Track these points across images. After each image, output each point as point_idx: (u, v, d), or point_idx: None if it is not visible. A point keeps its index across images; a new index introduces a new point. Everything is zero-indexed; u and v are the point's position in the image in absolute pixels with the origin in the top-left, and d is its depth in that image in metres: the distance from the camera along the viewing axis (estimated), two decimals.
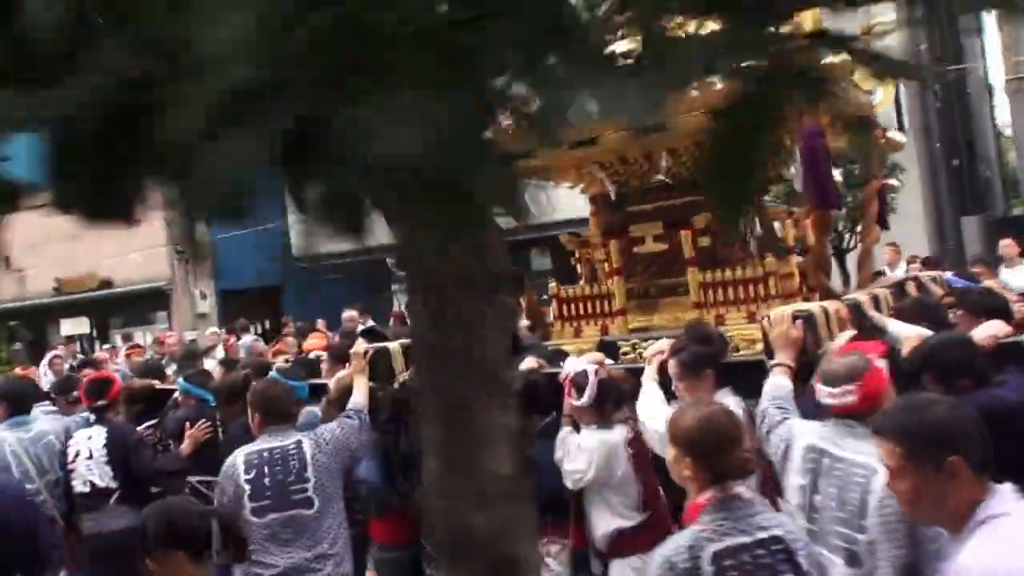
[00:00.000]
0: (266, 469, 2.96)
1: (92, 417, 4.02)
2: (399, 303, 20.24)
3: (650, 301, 4.38)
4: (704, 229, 3.97)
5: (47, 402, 5.07)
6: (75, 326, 15.75)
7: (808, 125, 3.23)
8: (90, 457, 3.81)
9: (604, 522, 3.08)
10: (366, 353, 3.68)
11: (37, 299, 15.89)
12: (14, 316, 16.07)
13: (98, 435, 3.88)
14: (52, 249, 15.60)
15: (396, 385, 3.69)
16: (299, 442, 3.03)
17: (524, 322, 5.00)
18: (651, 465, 3.08)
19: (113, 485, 3.78)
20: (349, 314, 10.11)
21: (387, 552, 3.69)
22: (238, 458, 3.01)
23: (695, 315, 4.10)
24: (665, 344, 3.16)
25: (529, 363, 3.48)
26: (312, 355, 6.17)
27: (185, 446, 3.97)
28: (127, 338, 14.65)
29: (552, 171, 4.34)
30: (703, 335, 3.12)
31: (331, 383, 3.84)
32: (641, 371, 3.22)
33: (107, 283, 14.93)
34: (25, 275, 16.24)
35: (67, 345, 13.51)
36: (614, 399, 3.10)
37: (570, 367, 3.21)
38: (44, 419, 4.38)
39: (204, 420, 4.08)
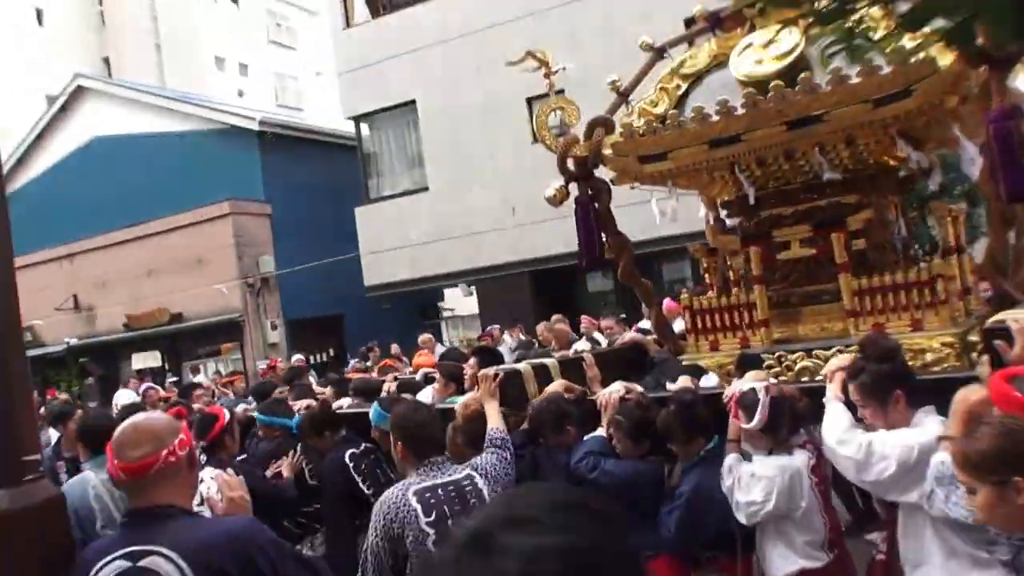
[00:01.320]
0: (446, 509, 2.59)
1: (203, 458, 3.67)
2: (446, 328, 20.52)
3: (792, 310, 4.06)
4: (859, 231, 3.64)
5: None
6: (146, 360, 15.96)
7: (998, 106, 2.89)
8: (201, 503, 3.55)
9: (785, 561, 2.73)
10: (496, 376, 3.39)
11: (107, 335, 16.15)
12: (85, 352, 16.36)
13: (212, 479, 3.48)
14: (121, 287, 15.98)
15: (530, 409, 3.41)
16: (471, 477, 2.72)
17: (651, 336, 4.72)
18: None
19: None
20: (492, 328, 9.99)
21: None
22: (409, 497, 2.59)
23: (845, 325, 3.78)
24: (846, 359, 2.81)
25: (684, 382, 3.17)
26: (420, 374, 6.04)
27: (287, 474, 3.74)
28: (195, 370, 14.82)
29: (680, 175, 4.08)
30: (883, 350, 2.68)
31: (457, 408, 3.57)
32: (813, 390, 2.88)
33: (177, 317, 15.11)
34: (95, 313, 16.61)
35: (138, 379, 13.69)
36: (789, 421, 2.76)
37: (736, 386, 2.90)
38: None
39: (294, 451, 3.85)
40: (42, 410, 12.06)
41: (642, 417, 2.95)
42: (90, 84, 18.13)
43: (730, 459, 2.74)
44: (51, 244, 17.09)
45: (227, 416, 3.80)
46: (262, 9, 32.66)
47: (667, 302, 8.95)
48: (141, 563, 1.69)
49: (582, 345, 8.13)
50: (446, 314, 20.54)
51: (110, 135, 17.27)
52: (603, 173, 4.45)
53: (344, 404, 4.78)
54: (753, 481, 2.66)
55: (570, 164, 4.27)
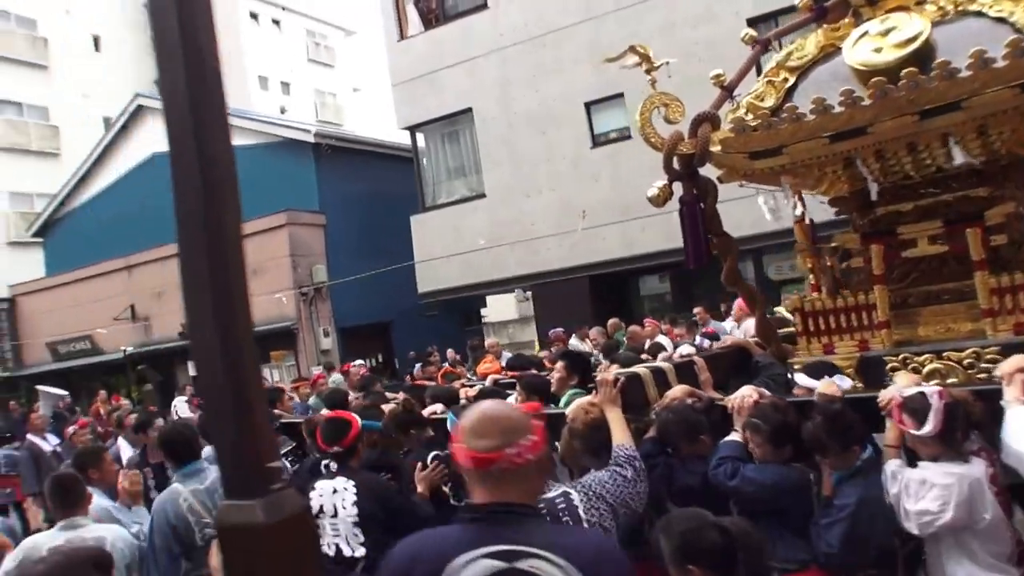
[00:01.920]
0: None
1: (333, 466, 3.50)
2: (489, 333, 20.49)
3: (910, 311, 3.86)
4: (997, 226, 3.44)
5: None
6: None
7: None
8: (335, 515, 3.28)
9: None
10: (616, 381, 3.21)
11: (163, 343, 16.47)
12: (142, 360, 16.71)
13: (346, 490, 3.35)
14: (177, 297, 16.27)
15: (653, 415, 3.27)
16: (567, 495, 2.60)
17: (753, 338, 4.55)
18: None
19: (360, 553, 3.25)
20: (555, 332, 9.95)
21: None
22: None
23: (976, 325, 3.58)
24: (1022, 359, 2.62)
25: (830, 388, 3.00)
26: (489, 381, 5.95)
27: (422, 490, 3.59)
28: None
29: (792, 171, 3.91)
30: None
31: (575, 410, 3.41)
32: (985, 393, 2.69)
33: None
34: (151, 322, 16.97)
35: (184, 387, 13.97)
36: (964, 426, 2.58)
37: (893, 390, 2.72)
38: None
39: (436, 461, 3.70)
40: (112, 415, 12.39)
41: (782, 421, 2.80)
42: (149, 103, 18.63)
43: (892, 465, 2.57)
44: (111, 257, 17.57)
45: (359, 422, 3.65)
46: (302, 29, 33.99)
47: (741, 301, 8.77)
48: (519, 565, 1.54)
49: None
50: (485, 320, 20.67)
51: (167, 151, 17.62)
52: (706, 171, 4.30)
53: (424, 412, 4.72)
54: (924, 488, 2.48)
55: (674, 162, 4.12)
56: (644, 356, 5.70)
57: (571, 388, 4.36)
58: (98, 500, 3.74)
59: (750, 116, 3.83)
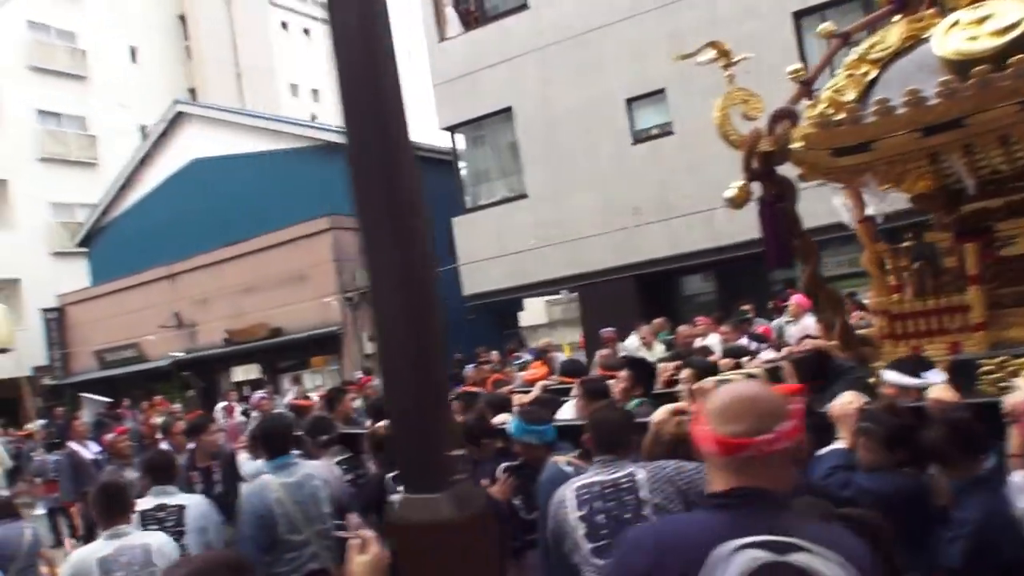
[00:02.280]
0: (600, 504, 2.64)
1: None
2: (523, 337, 20.53)
3: (1001, 312, 3.75)
4: None
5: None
6: (246, 372, 16.45)
7: None
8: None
9: None
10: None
11: (208, 350, 16.72)
12: (188, 366, 16.98)
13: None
14: (221, 304, 16.57)
15: None
16: (631, 475, 2.68)
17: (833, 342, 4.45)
18: None
19: None
20: (607, 331, 9.95)
21: None
22: (567, 493, 2.70)
23: None
24: None
25: (943, 392, 2.91)
26: (538, 387, 5.88)
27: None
28: (296, 380, 15.20)
29: (877, 169, 3.81)
30: None
31: (657, 416, 3.35)
32: None
33: (276, 331, 15.51)
34: (197, 329, 17.25)
35: (236, 391, 14.15)
36: None
37: (1021, 395, 2.62)
38: (311, 463, 3.99)
39: (506, 472, 3.64)
40: (155, 420, 12.59)
41: (897, 424, 2.72)
42: (188, 110, 18.96)
43: (1020, 476, 2.48)
44: (154, 264, 17.90)
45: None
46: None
47: (799, 297, 8.61)
48: (791, 559, 1.40)
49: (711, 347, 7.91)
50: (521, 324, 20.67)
51: (208, 156, 18.01)
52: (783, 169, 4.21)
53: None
54: None
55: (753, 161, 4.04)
56: (722, 361, 5.61)
57: (635, 398, 4.36)
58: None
59: (832, 111, 3.73)
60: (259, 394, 12.30)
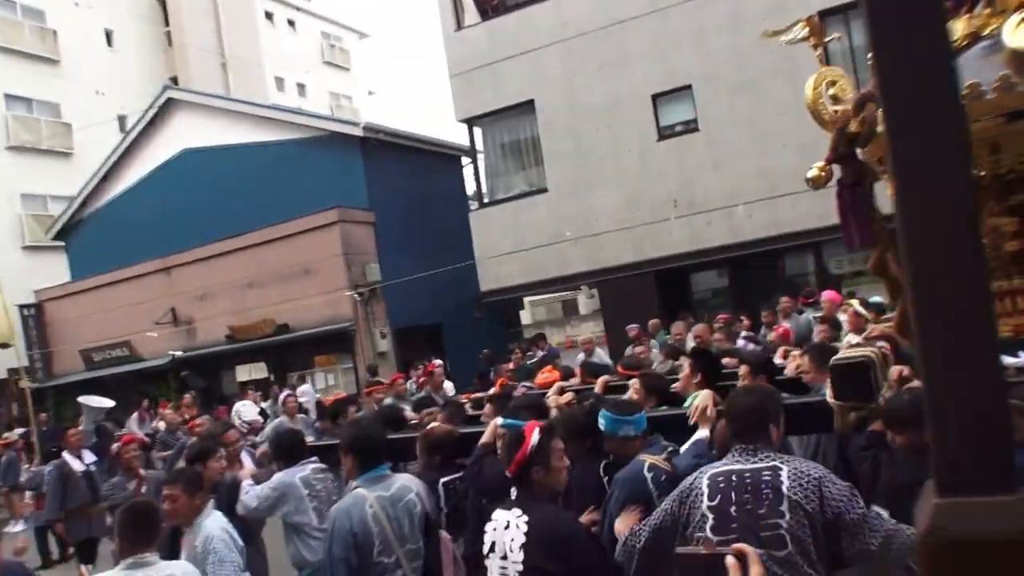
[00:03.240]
0: (733, 495, 2.58)
1: (515, 492, 3.08)
2: (558, 337, 21.56)
3: None
4: None
5: (315, 457, 4.81)
6: (252, 371, 16.88)
7: None
8: (504, 557, 2.90)
9: None
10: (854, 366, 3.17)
11: (208, 348, 17.08)
12: (186, 365, 17.30)
13: (518, 527, 2.90)
14: (222, 299, 16.99)
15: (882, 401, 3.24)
16: (775, 468, 2.60)
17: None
18: None
19: None
20: (632, 328, 10.41)
21: None
22: (703, 480, 2.68)
23: None
24: None
25: None
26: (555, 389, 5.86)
27: (620, 528, 3.16)
28: (302, 379, 15.62)
29: None
30: None
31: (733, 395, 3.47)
32: None
33: (284, 328, 15.96)
34: (195, 326, 17.61)
35: (245, 392, 14.46)
36: None
37: None
38: (403, 476, 3.86)
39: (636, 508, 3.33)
40: (156, 423, 12.89)
41: None
42: (179, 96, 19.28)
43: None
44: (144, 259, 18.20)
45: (534, 437, 3.20)
46: (316, 31, 35.26)
47: (831, 294, 9.41)
48: None
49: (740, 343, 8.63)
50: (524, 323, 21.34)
51: (200, 147, 18.40)
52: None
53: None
54: None
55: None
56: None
57: (697, 390, 4.47)
58: None
59: None
60: (285, 392, 12.60)
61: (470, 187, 17.76)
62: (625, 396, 4.71)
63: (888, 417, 3.18)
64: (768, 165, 11.90)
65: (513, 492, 3.04)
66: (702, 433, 3.63)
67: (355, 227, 15.82)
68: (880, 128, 3.99)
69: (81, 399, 10.87)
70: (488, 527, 2.99)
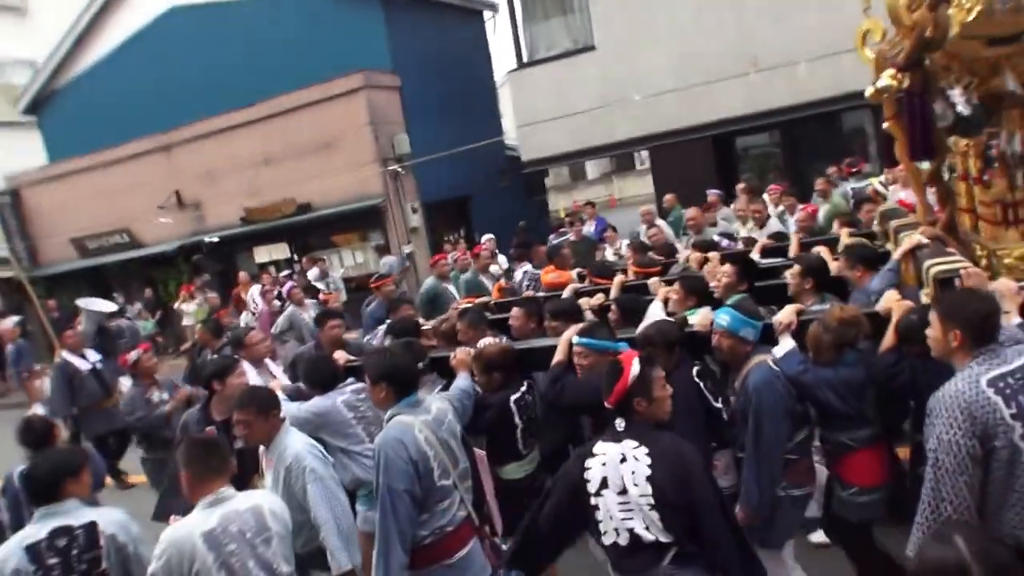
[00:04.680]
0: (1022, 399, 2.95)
1: (621, 423, 3.35)
2: (565, 203, 23.73)
3: None
4: None
5: (351, 379, 5.40)
6: (272, 252, 18.84)
7: None
8: (624, 492, 3.22)
9: None
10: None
11: (220, 231, 18.97)
12: (196, 250, 19.23)
13: (637, 459, 3.23)
14: (232, 179, 18.65)
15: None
16: None
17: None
18: None
19: (668, 538, 3.17)
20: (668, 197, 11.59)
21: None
22: (984, 388, 2.99)
23: None
24: None
25: None
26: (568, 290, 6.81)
27: None
28: (313, 261, 16.78)
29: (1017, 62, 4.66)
30: None
31: (833, 311, 4.30)
32: None
33: (305, 207, 17.80)
34: (203, 209, 19.35)
35: (265, 275, 16.13)
36: None
37: None
38: (433, 397, 4.42)
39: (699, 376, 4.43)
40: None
41: None
42: None
43: None
44: (140, 136, 19.65)
45: (634, 365, 3.47)
46: None
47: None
48: None
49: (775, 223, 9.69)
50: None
51: (190, 3, 19.46)
52: None
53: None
54: None
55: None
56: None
57: (739, 293, 5.39)
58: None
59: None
60: (289, 283, 13.70)
61: (495, 47, 19.09)
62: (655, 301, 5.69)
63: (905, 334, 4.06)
64: (831, 17, 13.40)
65: (619, 423, 3.33)
66: (790, 342, 4.41)
67: (381, 93, 17.34)
68: (953, 32, 4.37)
69: (81, 303, 11.68)
70: (592, 462, 3.28)
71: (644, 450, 3.20)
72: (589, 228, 13.01)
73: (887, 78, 4.77)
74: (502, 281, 10.66)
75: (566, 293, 6.76)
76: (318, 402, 5.14)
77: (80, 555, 3.61)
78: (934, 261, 4.54)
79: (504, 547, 4.30)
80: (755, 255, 7.19)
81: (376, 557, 3.77)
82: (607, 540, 3.25)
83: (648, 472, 3.16)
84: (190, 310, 16.52)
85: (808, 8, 13.89)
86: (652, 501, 3.14)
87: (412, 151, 17.29)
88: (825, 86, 14.04)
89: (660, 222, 11.48)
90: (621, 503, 3.20)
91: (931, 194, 5.79)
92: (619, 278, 6.87)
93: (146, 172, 19.91)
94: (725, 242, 8.69)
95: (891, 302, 4.31)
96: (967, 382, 3.00)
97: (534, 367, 5.06)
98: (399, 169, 16.96)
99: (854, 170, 11.63)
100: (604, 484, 3.23)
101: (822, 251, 6.15)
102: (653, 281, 6.54)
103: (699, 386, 4.40)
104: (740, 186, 11.95)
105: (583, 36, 16.00)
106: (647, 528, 3.16)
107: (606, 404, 3.37)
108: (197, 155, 19.23)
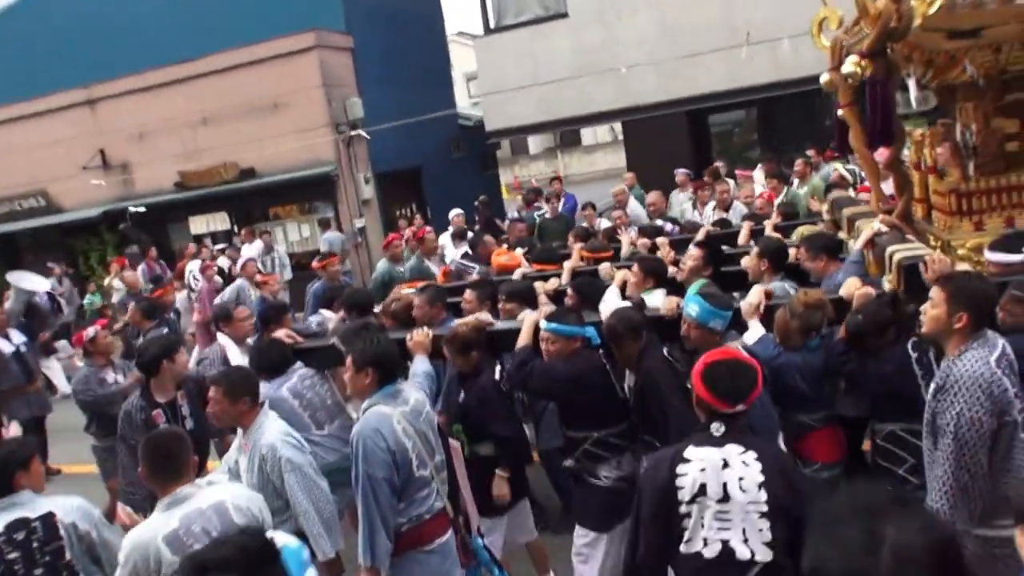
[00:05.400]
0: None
1: (720, 427, 3.36)
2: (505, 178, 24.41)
3: None
4: None
5: (299, 363, 5.81)
6: (209, 223, 19.03)
7: None
8: (725, 499, 3.26)
9: None
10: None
11: (150, 197, 19.12)
12: (123, 217, 19.28)
13: (746, 464, 3.29)
14: (166, 139, 18.76)
15: None
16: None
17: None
18: None
19: (764, 556, 3.21)
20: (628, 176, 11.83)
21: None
22: (995, 371, 3.48)
23: None
24: None
25: None
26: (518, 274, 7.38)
27: None
28: (252, 234, 16.99)
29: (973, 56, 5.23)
30: None
31: (798, 295, 4.86)
32: None
33: (249, 172, 18.06)
34: (132, 172, 19.41)
35: (201, 246, 16.36)
36: None
37: None
38: (408, 385, 4.68)
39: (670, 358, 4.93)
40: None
41: None
42: None
43: None
44: (60, 88, 19.47)
45: (759, 369, 3.64)
46: None
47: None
48: None
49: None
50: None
51: None
52: None
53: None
54: None
55: None
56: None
57: (702, 278, 5.53)
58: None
59: None
60: (244, 257, 13.53)
61: (448, 13, 19.55)
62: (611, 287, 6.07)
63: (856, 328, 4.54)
64: None
65: (717, 427, 3.34)
66: (760, 328, 4.89)
67: (333, 54, 17.74)
68: (916, 23, 4.83)
69: (11, 278, 11.71)
70: (688, 468, 3.29)
71: (752, 455, 3.27)
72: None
73: (852, 64, 5.12)
74: (449, 264, 10.72)
75: (515, 276, 7.25)
76: (263, 391, 5.15)
77: (42, 547, 3.76)
78: (897, 247, 5.06)
79: (475, 543, 4.78)
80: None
81: (361, 543, 4.18)
82: (689, 548, 3.31)
83: (761, 479, 3.22)
84: (120, 287, 16.30)
85: None
86: (765, 508, 3.21)
87: (366, 117, 17.64)
88: (808, 64, 14.81)
89: (634, 203, 11.88)
90: (720, 511, 3.25)
91: (888, 183, 6.38)
92: (569, 263, 7.43)
93: (66, 128, 19.88)
94: (669, 226, 9.32)
95: (852, 287, 4.82)
96: (982, 363, 3.49)
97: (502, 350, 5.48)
98: (359, 134, 17.30)
99: (836, 155, 12.24)
100: (702, 491, 3.26)
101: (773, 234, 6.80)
102: (605, 266, 7.05)
103: (672, 363, 4.82)
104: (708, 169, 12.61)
105: (554, 2, 16.54)
106: (745, 540, 3.22)
107: (736, 407, 3.33)
108: (126, 112, 19.35)
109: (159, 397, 5.66)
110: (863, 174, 9.74)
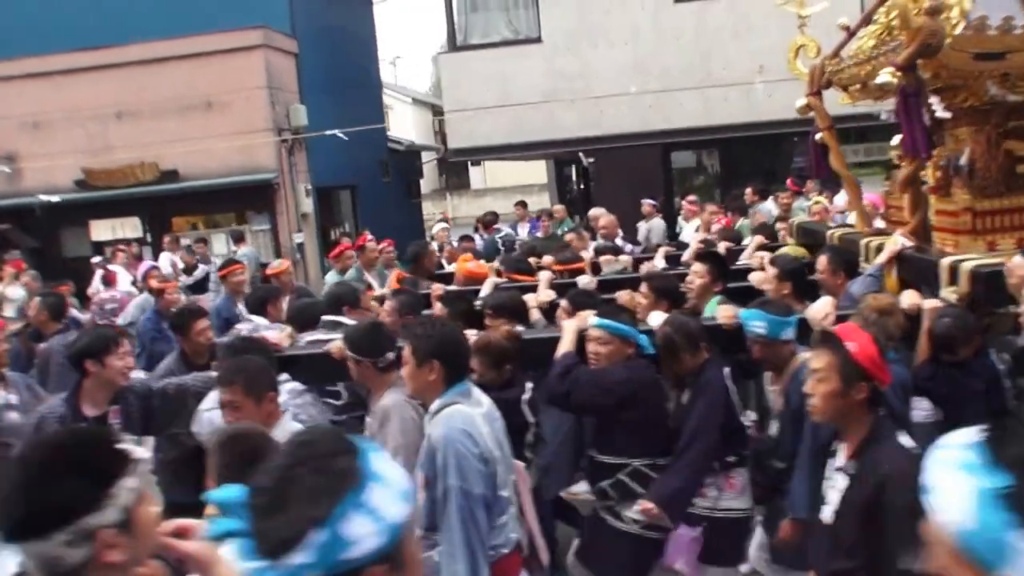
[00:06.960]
0: None
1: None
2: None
3: None
4: None
5: (285, 375, 5.48)
6: (116, 229, 20.47)
7: None
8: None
9: None
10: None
11: (42, 194, 20.08)
12: (6, 218, 20.27)
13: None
14: (70, 132, 20.13)
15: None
16: None
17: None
18: None
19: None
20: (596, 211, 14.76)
21: None
22: None
23: None
24: None
25: None
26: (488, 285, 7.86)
27: None
28: (176, 243, 18.01)
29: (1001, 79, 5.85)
30: None
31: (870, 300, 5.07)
32: None
33: (172, 175, 19.81)
34: (21, 165, 20.57)
35: (115, 253, 17.67)
36: None
37: None
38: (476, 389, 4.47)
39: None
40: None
41: None
42: None
43: None
44: None
45: None
46: None
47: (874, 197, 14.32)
48: None
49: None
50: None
51: None
52: None
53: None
54: None
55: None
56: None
57: (714, 295, 6.19)
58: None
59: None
60: (147, 263, 14.85)
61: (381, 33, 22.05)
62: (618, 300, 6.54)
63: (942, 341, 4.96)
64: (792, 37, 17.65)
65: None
66: None
67: (279, 56, 19.97)
68: (949, 40, 5.52)
69: None
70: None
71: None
72: (522, 230, 16.51)
73: (887, 75, 5.73)
74: (399, 270, 10.90)
75: (485, 288, 7.69)
76: None
77: None
78: (969, 257, 5.60)
79: None
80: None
81: None
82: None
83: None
84: (16, 295, 15.28)
85: (768, 30, 18.06)
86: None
87: (309, 125, 19.85)
88: (784, 108, 18.13)
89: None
90: None
91: (905, 199, 6.98)
92: (545, 275, 8.01)
93: None
94: (629, 247, 11.12)
95: (916, 300, 5.23)
96: None
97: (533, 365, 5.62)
98: (284, 139, 19.29)
99: (801, 189, 15.01)
100: None
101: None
102: (583, 278, 7.91)
103: (727, 393, 5.16)
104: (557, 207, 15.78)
105: (528, 26, 19.62)
106: None
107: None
108: (20, 97, 20.43)
109: (87, 409, 5.19)
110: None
